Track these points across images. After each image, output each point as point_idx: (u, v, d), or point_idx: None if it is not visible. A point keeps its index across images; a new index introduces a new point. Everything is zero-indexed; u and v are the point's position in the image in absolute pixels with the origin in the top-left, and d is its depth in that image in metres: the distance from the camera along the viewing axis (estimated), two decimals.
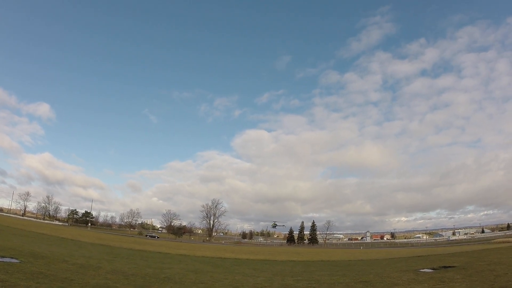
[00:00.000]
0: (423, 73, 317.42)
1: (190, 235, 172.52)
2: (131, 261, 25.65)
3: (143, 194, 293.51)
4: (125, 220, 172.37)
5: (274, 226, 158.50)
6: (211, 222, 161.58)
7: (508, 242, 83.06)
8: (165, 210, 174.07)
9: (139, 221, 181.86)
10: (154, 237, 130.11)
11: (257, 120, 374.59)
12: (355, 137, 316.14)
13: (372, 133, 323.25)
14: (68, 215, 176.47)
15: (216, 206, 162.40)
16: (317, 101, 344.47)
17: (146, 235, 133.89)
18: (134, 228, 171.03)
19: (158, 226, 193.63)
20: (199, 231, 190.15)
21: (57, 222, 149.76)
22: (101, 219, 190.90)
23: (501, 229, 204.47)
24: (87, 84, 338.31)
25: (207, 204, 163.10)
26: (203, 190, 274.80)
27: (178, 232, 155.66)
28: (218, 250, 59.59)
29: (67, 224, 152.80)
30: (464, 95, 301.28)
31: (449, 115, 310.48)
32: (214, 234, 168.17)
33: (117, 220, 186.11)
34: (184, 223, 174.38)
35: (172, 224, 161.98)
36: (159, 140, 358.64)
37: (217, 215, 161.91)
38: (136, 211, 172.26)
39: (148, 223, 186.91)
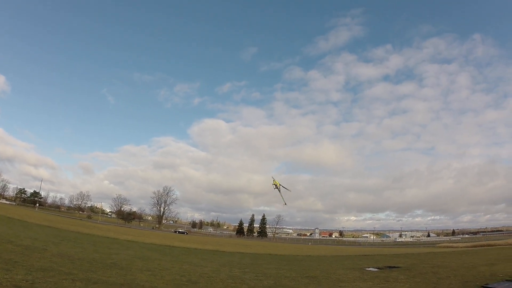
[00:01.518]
0: (386, 78, 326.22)
1: (140, 221, 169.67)
2: (78, 245, 24.89)
3: (95, 176, 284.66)
4: (74, 203, 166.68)
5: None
6: (162, 209, 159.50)
7: (452, 247, 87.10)
8: (116, 194, 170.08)
9: (89, 204, 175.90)
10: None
11: (216, 109, 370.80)
12: (312, 135, 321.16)
13: (329, 132, 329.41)
14: (16, 194, 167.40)
15: (167, 194, 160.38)
16: (278, 96, 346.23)
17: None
18: (83, 211, 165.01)
19: (108, 211, 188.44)
20: (149, 218, 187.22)
21: (4, 201, 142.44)
22: (49, 200, 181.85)
23: (446, 234, 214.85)
24: (46, 58, 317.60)
25: (158, 191, 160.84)
26: (156, 176, 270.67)
27: (127, 217, 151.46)
28: (167, 238, 59.00)
29: (14, 203, 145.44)
30: (423, 104, 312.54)
31: (406, 121, 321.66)
32: (164, 221, 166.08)
33: (66, 202, 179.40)
34: (134, 209, 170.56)
35: (122, 209, 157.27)
36: (115, 122, 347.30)
37: (168, 202, 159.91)
38: (86, 194, 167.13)
39: (98, 206, 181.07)
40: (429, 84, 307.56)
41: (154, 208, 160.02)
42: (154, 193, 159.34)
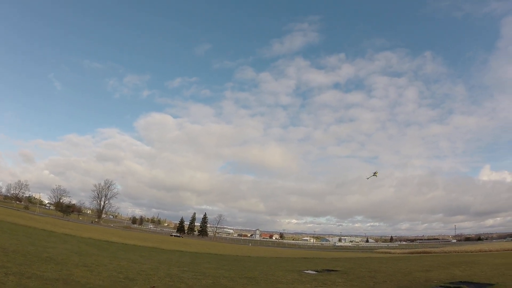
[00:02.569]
0: (336, 86, 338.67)
1: (79, 214, 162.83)
2: (13, 237, 23.82)
3: (35, 165, 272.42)
4: (12, 192, 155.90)
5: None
6: (102, 203, 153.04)
7: (390, 253, 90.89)
8: (56, 185, 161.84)
9: (27, 195, 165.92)
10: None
11: (164, 104, 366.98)
12: (259, 136, 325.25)
13: (276, 135, 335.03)
14: None
15: (108, 187, 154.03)
16: (228, 95, 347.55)
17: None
18: (21, 201, 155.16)
19: (46, 202, 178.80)
20: (89, 212, 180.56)
21: None
22: None
23: (385, 240, 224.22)
24: None
25: (99, 184, 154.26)
26: (99, 168, 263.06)
27: (66, 210, 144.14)
28: (105, 233, 57.39)
29: None
30: (370, 114, 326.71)
31: (352, 129, 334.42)
32: (103, 216, 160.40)
33: (3, 190, 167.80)
34: (74, 202, 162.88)
35: (61, 201, 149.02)
36: (60, 110, 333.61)
37: (108, 196, 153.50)
38: (24, 183, 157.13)
39: (36, 197, 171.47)
40: (377, 95, 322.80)
41: (94, 202, 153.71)
42: (95, 186, 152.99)
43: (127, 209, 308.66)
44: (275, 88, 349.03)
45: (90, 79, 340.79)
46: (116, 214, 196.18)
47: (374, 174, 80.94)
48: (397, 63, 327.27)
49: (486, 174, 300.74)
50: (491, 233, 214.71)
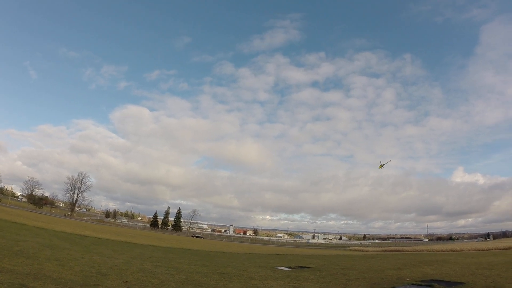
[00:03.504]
0: (314, 84, 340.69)
1: (52, 207, 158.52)
2: None
3: (7, 156, 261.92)
4: None
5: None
6: (75, 196, 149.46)
7: (362, 250, 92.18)
8: (28, 176, 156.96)
9: None
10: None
11: (141, 96, 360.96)
12: (236, 132, 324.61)
13: (253, 131, 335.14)
14: None
15: (82, 180, 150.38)
16: (206, 89, 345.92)
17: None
18: None
19: (18, 194, 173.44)
20: (62, 204, 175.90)
21: None
22: None
23: (358, 238, 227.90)
24: None
25: (72, 176, 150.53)
26: (73, 160, 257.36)
27: (39, 202, 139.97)
28: (78, 227, 56.29)
29: None
30: (347, 113, 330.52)
31: (329, 128, 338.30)
32: (76, 209, 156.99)
33: None
34: (46, 194, 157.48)
35: (34, 193, 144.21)
36: (35, 99, 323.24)
37: (82, 189, 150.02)
38: None
39: (8, 189, 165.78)
40: (355, 95, 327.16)
41: (67, 195, 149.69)
42: (68, 178, 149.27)
43: (101, 203, 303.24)
44: (253, 84, 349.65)
45: (66, 68, 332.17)
46: (90, 207, 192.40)
47: (385, 162, 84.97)
48: (376, 64, 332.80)
49: (459, 176, 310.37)
50: (462, 233, 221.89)
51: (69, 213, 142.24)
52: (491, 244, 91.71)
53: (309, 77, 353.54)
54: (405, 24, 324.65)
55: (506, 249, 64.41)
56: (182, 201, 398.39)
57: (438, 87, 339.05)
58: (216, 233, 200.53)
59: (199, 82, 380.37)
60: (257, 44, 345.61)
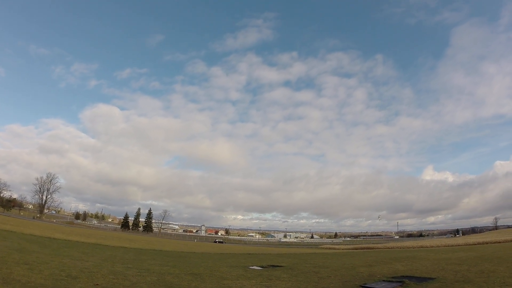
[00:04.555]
0: (286, 84, 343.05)
1: (20, 209, 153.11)
2: None
3: None
4: None
5: None
6: (44, 198, 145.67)
7: (334, 248, 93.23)
8: None
9: None
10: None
11: (112, 95, 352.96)
12: (208, 131, 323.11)
13: (224, 130, 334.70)
14: None
15: (51, 181, 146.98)
16: (177, 88, 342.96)
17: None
18: None
19: None
20: (30, 207, 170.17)
21: None
22: None
23: (329, 236, 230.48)
24: None
25: (41, 178, 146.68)
26: (42, 161, 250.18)
27: (6, 205, 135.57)
28: (48, 229, 54.70)
29: None
30: (318, 112, 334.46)
31: (300, 127, 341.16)
32: (45, 211, 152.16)
33: None
34: (15, 196, 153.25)
35: (1, 195, 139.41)
36: (2, 97, 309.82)
37: (51, 190, 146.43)
38: None
39: None
40: (327, 95, 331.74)
41: (36, 196, 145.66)
42: (37, 179, 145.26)
43: (71, 204, 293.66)
44: (225, 83, 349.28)
45: (35, 66, 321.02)
46: (59, 209, 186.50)
47: None
48: (348, 64, 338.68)
49: (429, 174, 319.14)
50: (432, 230, 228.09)
51: (38, 216, 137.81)
52: (460, 240, 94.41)
53: (281, 77, 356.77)
54: (378, 25, 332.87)
55: (475, 244, 66.17)
56: (154, 202, 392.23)
57: (409, 87, 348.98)
58: (188, 234, 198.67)
59: (171, 81, 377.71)
60: (230, 43, 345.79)
